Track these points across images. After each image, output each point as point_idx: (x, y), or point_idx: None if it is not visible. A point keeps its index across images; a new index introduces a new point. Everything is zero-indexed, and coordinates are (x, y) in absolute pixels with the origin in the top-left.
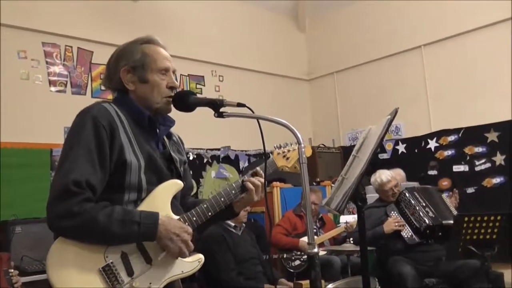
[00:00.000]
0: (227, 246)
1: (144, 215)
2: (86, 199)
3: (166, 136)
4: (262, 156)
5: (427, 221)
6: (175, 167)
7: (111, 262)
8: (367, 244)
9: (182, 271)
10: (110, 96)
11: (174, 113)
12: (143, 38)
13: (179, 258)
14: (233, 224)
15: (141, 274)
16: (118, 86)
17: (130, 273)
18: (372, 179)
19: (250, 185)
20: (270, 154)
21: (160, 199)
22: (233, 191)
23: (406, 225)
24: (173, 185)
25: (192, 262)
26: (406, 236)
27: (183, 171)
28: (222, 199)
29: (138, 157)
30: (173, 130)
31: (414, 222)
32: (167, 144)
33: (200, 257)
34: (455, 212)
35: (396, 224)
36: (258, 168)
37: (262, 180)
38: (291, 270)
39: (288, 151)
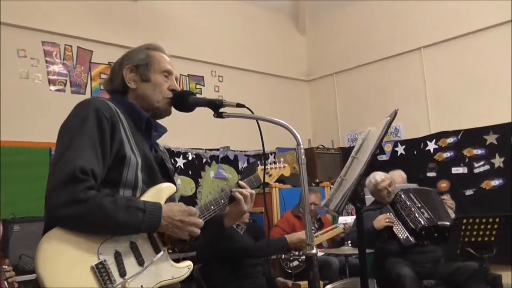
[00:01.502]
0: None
1: (148, 204)
2: (91, 186)
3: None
4: (261, 157)
5: (422, 222)
6: (167, 172)
7: (104, 260)
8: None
9: (173, 277)
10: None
11: (173, 113)
12: (150, 44)
13: (171, 263)
14: (236, 222)
15: (133, 276)
16: (119, 87)
17: (122, 273)
18: (367, 181)
19: (239, 195)
20: (259, 164)
21: (157, 198)
22: (222, 200)
23: (401, 225)
24: (168, 188)
25: (183, 268)
26: (401, 237)
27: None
28: (212, 207)
29: (136, 154)
30: (173, 129)
31: (410, 223)
32: (158, 150)
33: (189, 263)
34: (452, 215)
35: (387, 220)
36: (240, 181)
37: (251, 191)
38: (289, 271)
39: (271, 168)
